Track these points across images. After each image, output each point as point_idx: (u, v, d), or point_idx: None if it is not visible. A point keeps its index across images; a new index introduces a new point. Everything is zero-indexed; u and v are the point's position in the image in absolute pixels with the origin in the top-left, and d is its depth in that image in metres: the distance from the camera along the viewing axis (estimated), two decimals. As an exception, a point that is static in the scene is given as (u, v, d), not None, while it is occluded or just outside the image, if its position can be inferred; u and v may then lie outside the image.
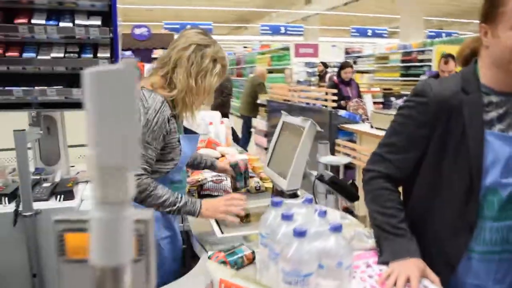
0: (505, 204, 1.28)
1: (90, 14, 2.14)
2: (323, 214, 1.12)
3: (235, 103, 16.48)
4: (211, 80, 1.69)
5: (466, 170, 1.30)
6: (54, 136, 2.69)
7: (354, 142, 4.72)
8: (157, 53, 8.31)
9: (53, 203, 2.31)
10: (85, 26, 2.08)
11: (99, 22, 2.11)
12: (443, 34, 15.06)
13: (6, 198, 2.25)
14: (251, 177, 2.57)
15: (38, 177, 2.52)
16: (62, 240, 0.62)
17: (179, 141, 1.73)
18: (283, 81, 10.76)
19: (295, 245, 0.99)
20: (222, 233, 1.94)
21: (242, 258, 1.56)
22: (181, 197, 1.68)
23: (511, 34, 1.19)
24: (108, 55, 2.18)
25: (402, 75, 11.68)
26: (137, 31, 8.92)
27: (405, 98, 1.48)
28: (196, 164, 2.25)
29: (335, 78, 6.68)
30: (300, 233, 0.99)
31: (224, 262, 1.52)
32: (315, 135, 1.94)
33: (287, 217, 1.09)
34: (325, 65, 10.16)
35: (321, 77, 10.06)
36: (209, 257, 1.57)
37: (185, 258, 2.17)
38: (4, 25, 2.02)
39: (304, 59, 10.55)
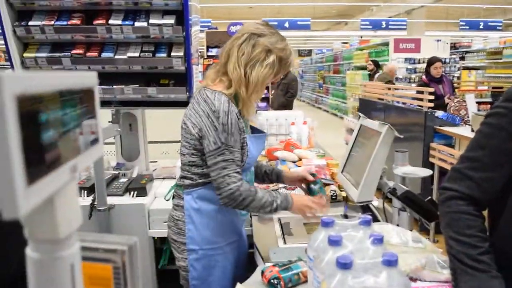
0: None
1: (164, 13, 2.14)
2: (378, 241, 0.95)
3: (331, 100, 16.21)
4: (260, 71, 1.56)
5: None
6: (135, 133, 2.78)
7: (452, 146, 4.28)
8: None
9: (127, 199, 2.38)
10: (159, 25, 2.08)
11: (172, 21, 2.10)
12: None
13: (85, 192, 2.37)
14: (328, 184, 2.40)
15: (117, 172, 2.62)
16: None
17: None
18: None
19: (337, 278, 0.84)
20: (285, 243, 1.83)
21: (298, 275, 1.43)
22: (276, 194, 1.65)
23: None
24: (181, 54, 2.17)
25: (518, 72, 10.48)
26: (233, 29, 9.10)
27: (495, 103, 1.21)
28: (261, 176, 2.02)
29: (424, 77, 6.07)
30: (344, 265, 0.84)
31: (277, 278, 1.41)
32: (393, 140, 1.74)
33: (334, 242, 0.94)
34: (376, 63, 9.50)
35: (371, 76, 9.39)
36: (262, 271, 1.47)
37: (252, 262, 2.09)
38: (84, 26, 2.10)
39: (405, 54, 9.90)
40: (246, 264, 1.92)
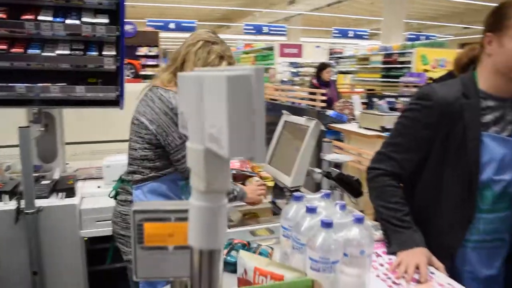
0: (498, 198, 1.42)
1: (96, 12, 2.16)
2: (343, 207, 1.19)
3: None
4: None
5: (465, 169, 1.40)
6: (52, 134, 2.70)
7: (341, 141, 4.84)
8: (142, 51, 8.31)
9: (54, 201, 2.33)
10: (92, 24, 2.10)
11: (106, 20, 2.13)
12: (422, 37, 15.41)
13: (7, 196, 2.25)
14: (251, 176, 2.63)
15: (37, 174, 2.52)
16: (141, 229, 0.68)
17: None
18: (267, 81, 10.85)
19: (322, 235, 1.06)
20: (229, 228, 2.00)
21: (268, 257, 1.60)
22: (233, 186, 1.83)
23: None
24: (113, 53, 2.20)
25: (383, 76, 11.93)
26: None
27: (408, 100, 1.56)
28: None
29: (314, 81, 6.69)
30: (327, 224, 1.06)
31: None
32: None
33: (311, 210, 1.16)
34: None
35: None
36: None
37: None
38: (10, 21, 2.02)
39: (288, 59, 10.65)
40: None
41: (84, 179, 2.79)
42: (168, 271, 0.69)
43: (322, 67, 6.47)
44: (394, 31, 13.46)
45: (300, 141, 2.03)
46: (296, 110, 5.67)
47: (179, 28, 15.35)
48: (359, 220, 1.10)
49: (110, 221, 2.30)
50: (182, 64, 1.71)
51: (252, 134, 0.43)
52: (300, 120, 2.13)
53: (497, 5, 1.39)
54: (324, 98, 4.73)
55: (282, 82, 10.41)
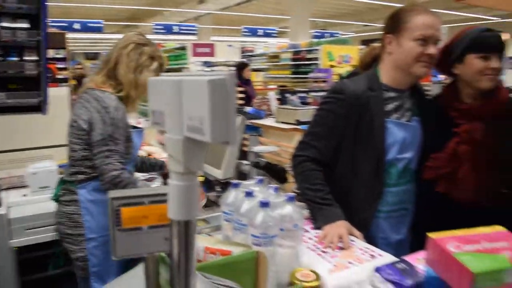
0: (401, 174, 1.70)
1: (15, 16, 2.12)
2: (276, 190, 1.37)
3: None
4: (148, 75, 1.84)
5: (374, 151, 1.66)
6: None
7: (260, 135, 5.08)
8: (48, 53, 7.85)
9: (-21, 211, 2.24)
10: (12, 28, 2.07)
11: (27, 25, 2.10)
12: (327, 35, 16.37)
13: None
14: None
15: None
16: (118, 214, 0.78)
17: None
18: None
19: (261, 214, 1.22)
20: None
21: None
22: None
23: (412, 44, 1.57)
24: (35, 58, 2.18)
25: (293, 73, 12.47)
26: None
27: (324, 94, 1.79)
28: (147, 167, 2.31)
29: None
30: (265, 204, 1.22)
31: None
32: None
33: (249, 194, 1.31)
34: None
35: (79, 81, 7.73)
36: None
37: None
38: None
39: (202, 58, 10.71)
40: None
41: (7, 188, 2.69)
42: (143, 248, 0.80)
43: (242, 66, 6.75)
44: (301, 29, 14.13)
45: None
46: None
47: (85, 28, 14.70)
48: (291, 199, 1.28)
49: (40, 228, 2.30)
50: (115, 66, 1.79)
51: (227, 123, 0.57)
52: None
53: (395, 10, 1.66)
54: (242, 95, 4.94)
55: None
